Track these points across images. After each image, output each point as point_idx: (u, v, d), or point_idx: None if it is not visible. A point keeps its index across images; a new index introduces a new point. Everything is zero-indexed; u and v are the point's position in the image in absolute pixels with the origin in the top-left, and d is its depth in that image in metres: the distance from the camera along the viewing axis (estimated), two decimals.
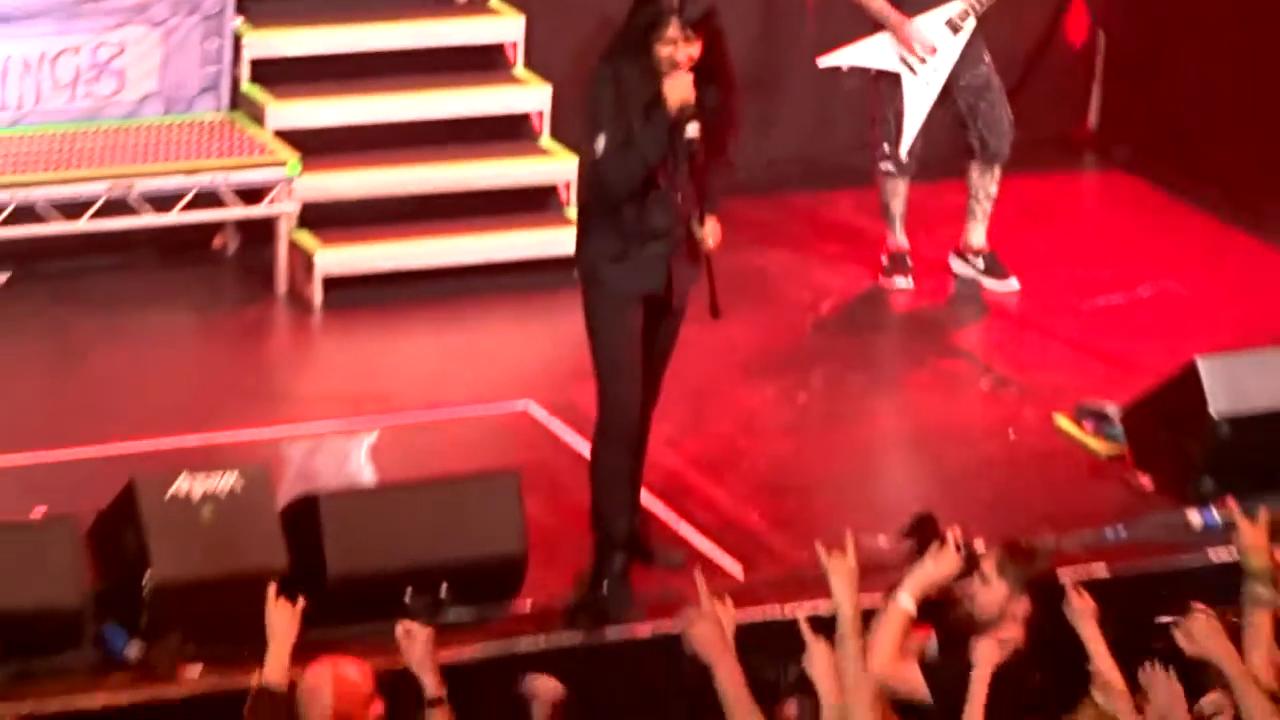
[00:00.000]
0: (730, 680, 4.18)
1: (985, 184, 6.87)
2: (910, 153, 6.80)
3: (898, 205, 6.88)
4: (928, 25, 6.83)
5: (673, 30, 4.91)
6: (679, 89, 4.89)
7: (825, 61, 6.95)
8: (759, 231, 6.73)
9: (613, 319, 5.21)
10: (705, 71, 4.97)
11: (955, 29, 6.81)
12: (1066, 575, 4.89)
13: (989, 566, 4.64)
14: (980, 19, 6.86)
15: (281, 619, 4.45)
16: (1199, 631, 4.36)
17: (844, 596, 4.19)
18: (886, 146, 6.76)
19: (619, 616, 5.25)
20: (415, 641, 4.37)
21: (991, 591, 4.59)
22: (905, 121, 6.82)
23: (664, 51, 4.89)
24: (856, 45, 6.88)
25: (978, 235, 6.94)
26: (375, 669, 4.37)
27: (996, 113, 6.84)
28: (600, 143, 5.05)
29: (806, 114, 7.22)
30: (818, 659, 4.13)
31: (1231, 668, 4.31)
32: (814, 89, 7.20)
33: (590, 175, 5.26)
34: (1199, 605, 4.57)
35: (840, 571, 4.23)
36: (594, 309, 5.19)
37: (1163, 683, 4.31)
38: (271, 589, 4.48)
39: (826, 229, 7.11)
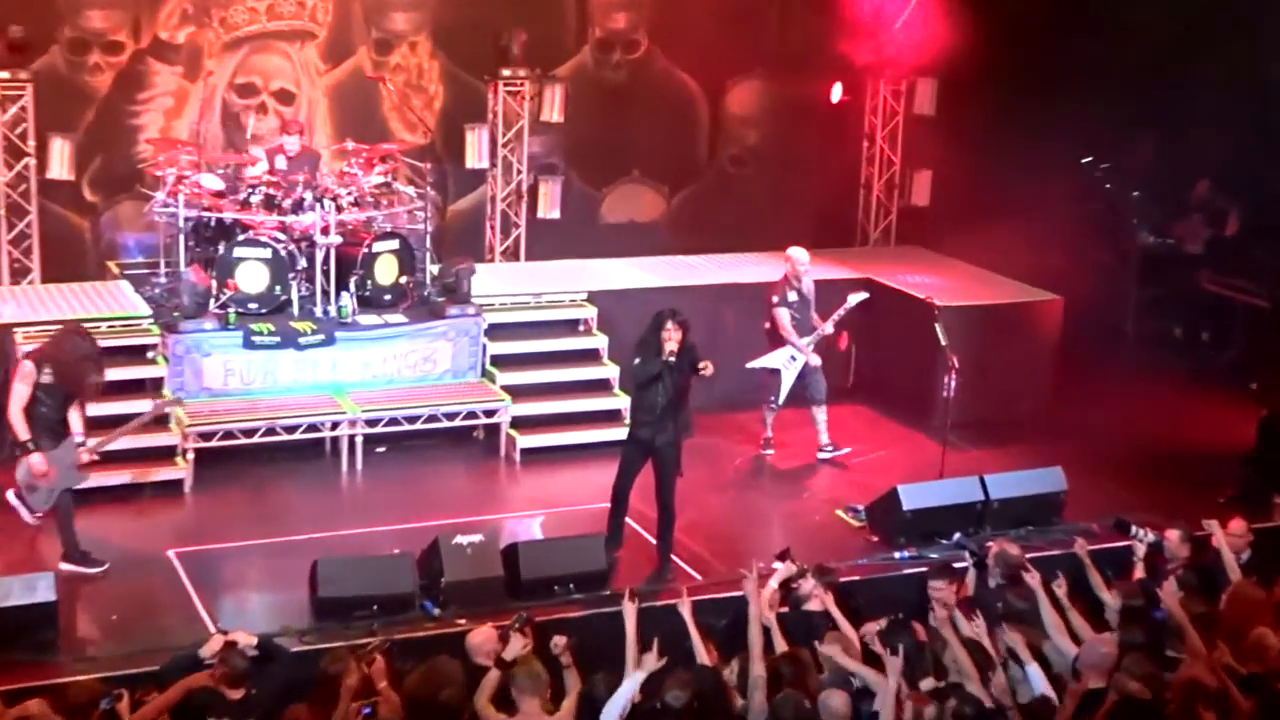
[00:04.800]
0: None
1: (820, 414, 14.64)
2: (782, 402, 14.55)
3: (769, 419, 14.70)
4: (793, 344, 14.54)
5: (670, 324, 12.04)
6: (670, 345, 11.91)
7: (750, 364, 14.63)
8: (710, 432, 14.17)
9: (627, 446, 12.37)
10: (683, 346, 12.00)
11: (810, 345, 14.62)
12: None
13: (809, 573, 10.63)
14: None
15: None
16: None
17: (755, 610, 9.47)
18: (772, 398, 14.60)
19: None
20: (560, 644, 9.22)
21: (807, 583, 10.54)
22: (784, 387, 14.55)
23: (665, 334, 11.95)
24: (764, 357, 14.55)
25: (824, 437, 14.80)
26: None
27: (821, 386, 14.57)
28: (636, 360, 12.13)
29: (731, 378, 14.43)
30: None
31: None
32: (734, 368, 14.57)
33: (631, 374, 12.33)
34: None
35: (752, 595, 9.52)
36: (626, 439, 12.47)
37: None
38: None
39: (735, 429, 15.08)
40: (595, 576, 11.80)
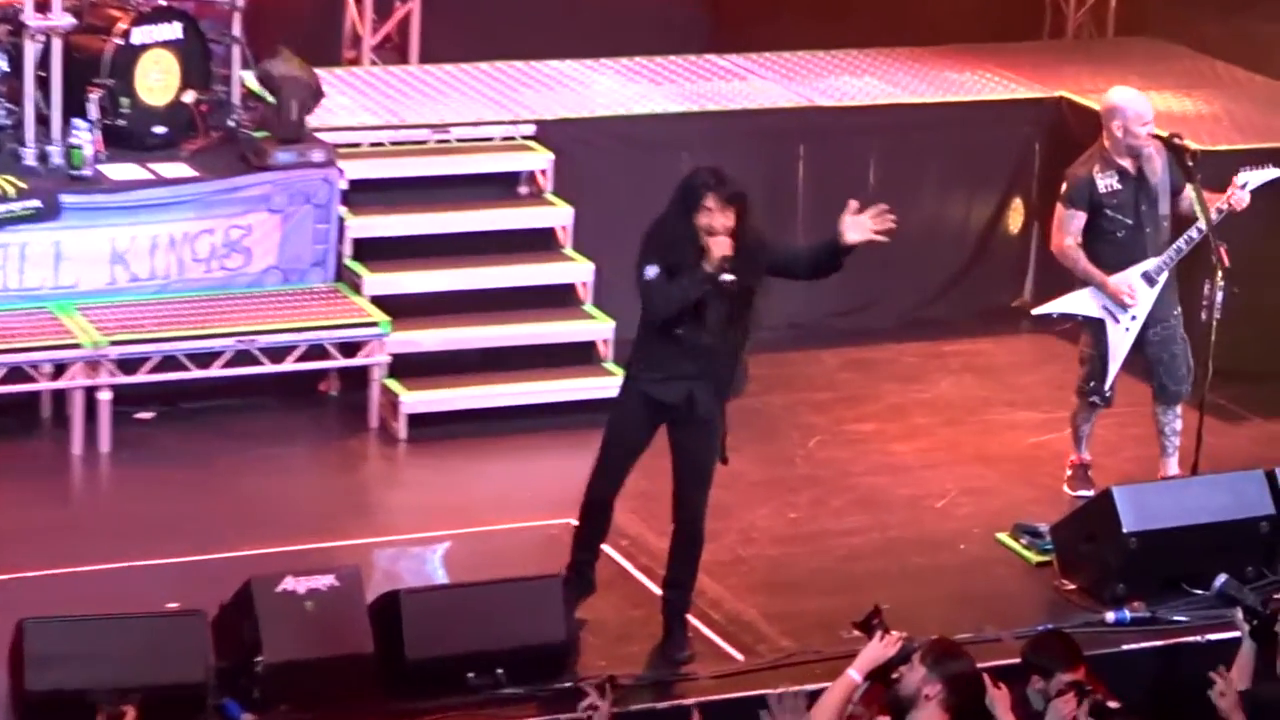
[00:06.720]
0: None
1: (1169, 420, 14.28)
2: (1111, 388, 14.01)
3: (1087, 429, 14.33)
4: (1126, 278, 13.92)
5: (711, 201, 11.50)
6: (720, 247, 11.36)
7: (1039, 310, 14.57)
8: (760, 383, 13.89)
9: (623, 410, 12.06)
10: (740, 240, 11.40)
11: (1151, 282, 13.93)
12: (986, 667, 9.98)
13: (918, 656, 9.83)
14: (1176, 272, 13.96)
15: None
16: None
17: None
18: (1092, 382, 14.10)
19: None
20: None
21: (913, 673, 9.75)
22: (1109, 362, 14.09)
23: (704, 220, 11.42)
24: (1067, 296, 14.20)
25: (1170, 468, 14.21)
26: None
27: (1178, 362, 14.15)
28: (650, 271, 11.52)
29: (797, 288, 14.30)
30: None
31: None
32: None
33: (641, 296, 11.70)
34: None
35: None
36: (618, 399, 12.19)
37: None
38: None
39: (814, 380, 15.24)
40: (546, 654, 11.87)
